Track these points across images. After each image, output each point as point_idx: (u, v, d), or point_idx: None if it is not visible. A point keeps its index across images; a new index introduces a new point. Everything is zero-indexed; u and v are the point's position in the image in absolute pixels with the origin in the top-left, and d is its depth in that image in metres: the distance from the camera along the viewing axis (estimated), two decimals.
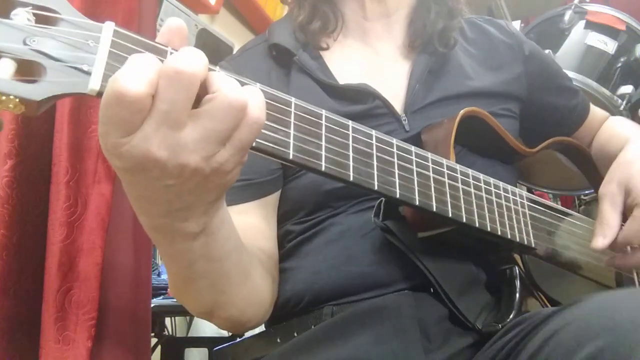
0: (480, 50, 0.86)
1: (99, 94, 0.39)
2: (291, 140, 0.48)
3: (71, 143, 0.81)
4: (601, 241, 0.72)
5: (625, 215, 0.74)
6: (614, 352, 0.42)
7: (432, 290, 0.66)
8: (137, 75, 0.37)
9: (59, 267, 0.77)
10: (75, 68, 0.39)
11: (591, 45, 1.48)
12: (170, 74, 0.38)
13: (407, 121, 0.74)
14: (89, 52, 0.40)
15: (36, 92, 0.37)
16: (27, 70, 0.38)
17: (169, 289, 1.25)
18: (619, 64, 1.48)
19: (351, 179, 0.52)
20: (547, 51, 1.39)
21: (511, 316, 0.63)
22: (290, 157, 0.48)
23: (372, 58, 0.82)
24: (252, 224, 0.70)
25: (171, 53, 0.42)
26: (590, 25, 1.50)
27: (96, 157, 0.83)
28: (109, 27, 0.41)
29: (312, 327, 0.65)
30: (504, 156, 0.79)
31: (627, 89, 1.46)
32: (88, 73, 0.39)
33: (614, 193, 0.74)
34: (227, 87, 0.40)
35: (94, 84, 0.39)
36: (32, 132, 0.81)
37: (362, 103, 0.75)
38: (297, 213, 0.74)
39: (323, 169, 0.50)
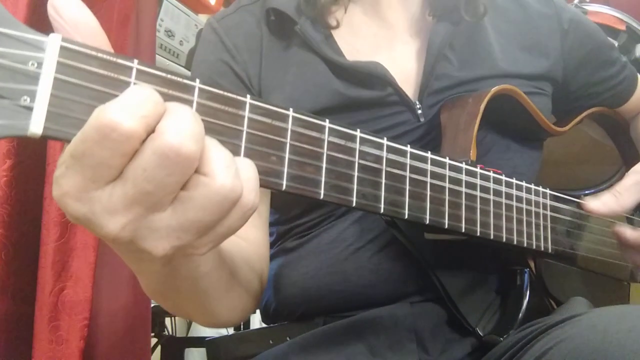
0: (511, 23, 0.73)
1: (44, 137, 0.32)
2: (285, 168, 0.40)
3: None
4: (596, 206, 0.64)
5: None
6: None
7: (430, 297, 0.62)
8: (133, 110, 0.29)
9: (52, 266, 0.76)
10: (13, 103, 0.31)
11: None
12: (167, 153, 0.30)
13: (421, 110, 0.65)
14: (30, 80, 0.31)
15: None
16: None
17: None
18: None
19: (354, 204, 0.45)
20: None
21: (513, 330, 0.60)
22: (284, 187, 0.40)
23: (383, 32, 0.71)
24: None
25: (137, 69, 0.34)
26: None
27: None
28: (54, 42, 0.32)
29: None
30: (530, 137, 0.71)
31: None
32: (29, 109, 0.31)
33: None
34: (221, 173, 0.32)
35: (35, 126, 0.30)
36: None
37: (371, 89, 0.65)
38: (292, 209, 0.67)
39: (322, 197, 0.43)
